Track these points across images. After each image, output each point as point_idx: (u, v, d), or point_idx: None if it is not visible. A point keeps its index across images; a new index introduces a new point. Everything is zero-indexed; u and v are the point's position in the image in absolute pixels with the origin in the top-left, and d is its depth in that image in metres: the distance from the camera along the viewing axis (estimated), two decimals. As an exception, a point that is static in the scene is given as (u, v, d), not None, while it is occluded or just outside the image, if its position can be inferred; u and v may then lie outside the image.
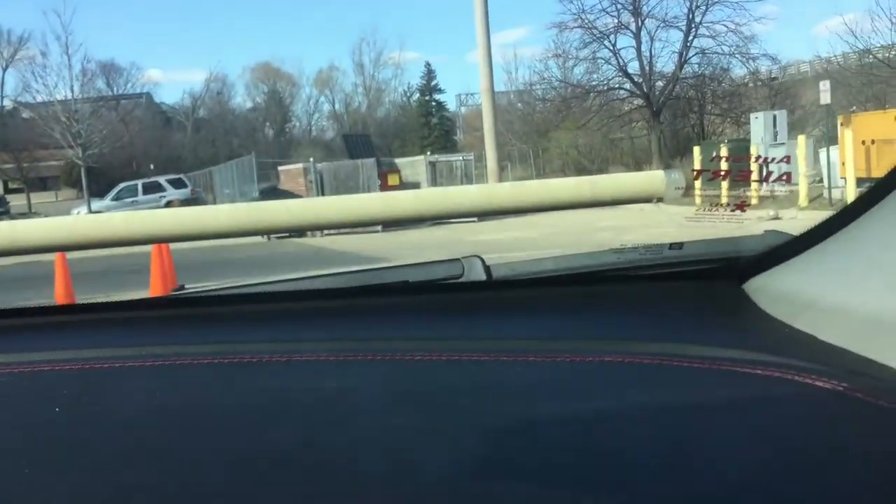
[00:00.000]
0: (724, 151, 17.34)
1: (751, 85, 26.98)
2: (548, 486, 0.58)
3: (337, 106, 68.84)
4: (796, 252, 0.89)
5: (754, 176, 0.95)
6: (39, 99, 34.40)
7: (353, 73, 69.94)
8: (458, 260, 1.12)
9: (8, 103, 66.76)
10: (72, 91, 30.26)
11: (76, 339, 0.93)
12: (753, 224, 0.99)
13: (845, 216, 0.84)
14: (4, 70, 68.25)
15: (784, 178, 0.94)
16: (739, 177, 0.94)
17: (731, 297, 0.95)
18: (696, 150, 19.54)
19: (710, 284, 1.02)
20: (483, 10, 27.01)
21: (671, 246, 1.11)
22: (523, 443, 0.65)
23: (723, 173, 0.94)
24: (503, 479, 0.59)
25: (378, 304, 1.03)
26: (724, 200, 0.97)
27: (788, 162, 0.92)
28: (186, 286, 5.61)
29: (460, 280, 1.09)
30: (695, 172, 0.96)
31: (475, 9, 27.28)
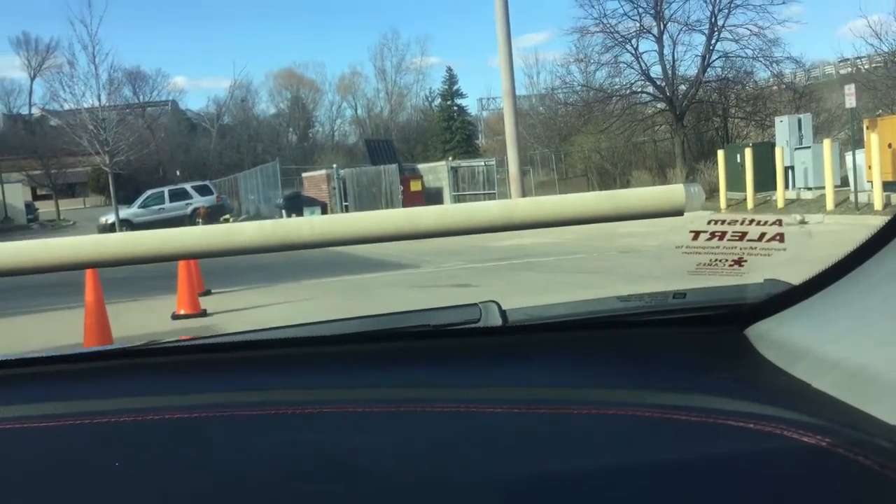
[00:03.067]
0: (748, 155, 17.24)
1: (775, 88, 26.72)
2: None
3: (359, 111, 69.23)
4: (795, 301, 0.94)
5: (750, 235, 0.99)
6: (67, 107, 34.72)
7: (375, 79, 70.36)
8: (475, 305, 1.17)
9: (36, 111, 67.83)
10: (99, 99, 30.50)
11: (109, 388, 0.97)
12: (759, 263, 1.02)
13: (841, 268, 0.87)
14: (33, 79, 69.30)
15: (777, 237, 0.98)
16: (735, 237, 0.99)
17: (732, 343, 1.00)
18: (721, 153, 19.38)
19: (712, 330, 1.06)
20: (504, 14, 26.99)
21: (675, 295, 1.14)
22: (532, 498, 0.69)
23: (719, 234, 0.99)
24: None
25: (400, 348, 1.08)
26: (725, 256, 1.02)
27: (780, 224, 0.99)
28: (213, 291, 5.72)
29: (478, 325, 1.14)
30: (692, 234, 1.01)
31: (496, 13, 27.28)
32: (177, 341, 1.15)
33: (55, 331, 7.67)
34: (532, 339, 1.11)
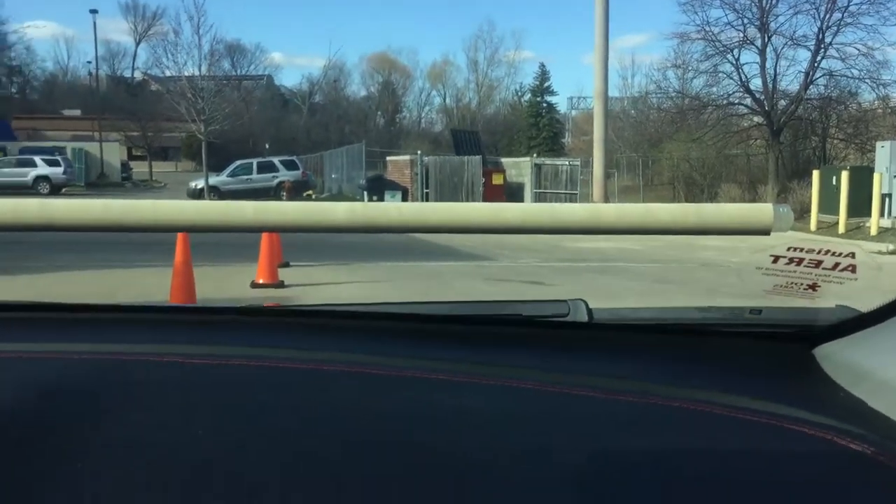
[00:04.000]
0: (844, 178, 16.60)
1: (879, 111, 25.59)
2: None
3: (448, 100, 69.67)
4: (862, 327, 1.01)
5: (825, 264, 1.06)
6: (168, 74, 35.82)
7: (466, 69, 70.63)
8: (564, 301, 1.26)
9: (138, 75, 70.54)
10: (199, 69, 31.29)
11: (261, 337, 1.10)
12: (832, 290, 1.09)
13: None
14: (137, 44, 72.11)
15: (850, 268, 1.05)
16: (811, 264, 1.07)
17: (801, 360, 1.07)
18: (816, 174, 18.74)
19: (783, 346, 1.13)
20: (604, 14, 26.61)
21: (751, 310, 1.23)
22: (604, 473, 0.78)
23: (797, 260, 1.07)
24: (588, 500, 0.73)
25: (494, 332, 1.16)
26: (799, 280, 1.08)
27: (854, 257, 1.05)
28: (291, 263, 6.03)
29: (566, 319, 1.22)
30: (772, 257, 1.07)
31: (596, 13, 26.91)
32: (309, 306, 1.29)
33: (142, 286, 8.00)
34: (616, 336, 1.18)
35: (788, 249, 1.07)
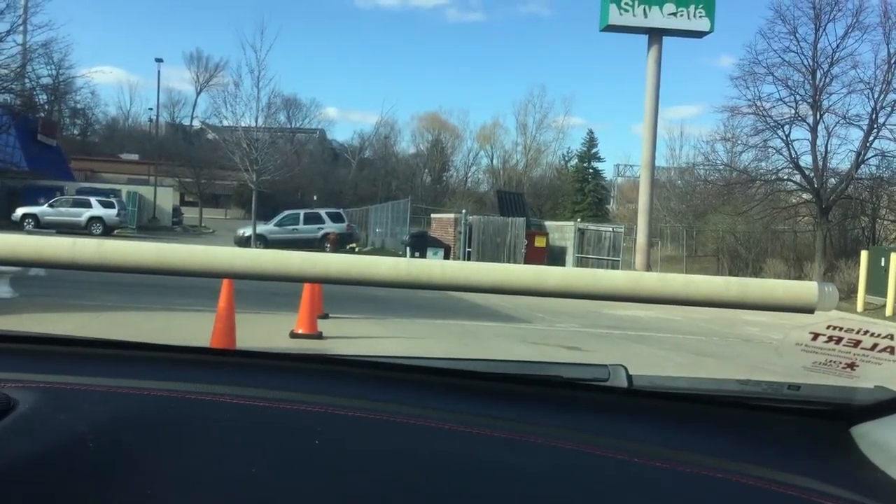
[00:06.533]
0: (893, 260, 16.24)
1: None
2: None
3: (495, 161, 70.32)
4: None
5: (864, 344, 1.06)
6: (225, 124, 36.73)
7: (515, 132, 71.70)
8: (605, 366, 1.29)
9: (196, 124, 72.78)
10: (256, 121, 31.94)
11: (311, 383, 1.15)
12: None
13: None
14: (198, 93, 74.56)
15: (888, 350, 1.05)
16: (850, 343, 1.08)
17: (837, 438, 1.09)
18: (864, 254, 18.39)
19: (820, 423, 1.15)
20: (654, 84, 26.82)
21: (790, 386, 1.23)
22: None
23: (836, 338, 1.08)
24: None
25: (534, 392, 1.19)
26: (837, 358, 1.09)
27: (892, 339, 1.05)
28: (330, 315, 6.09)
29: (606, 383, 1.25)
30: (812, 334, 1.07)
31: (646, 83, 27.14)
32: (354, 356, 1.33)
33: (183, 330, 8.12)
34: (654, 404, 1.20)
35: (828, 328, 1.08)
